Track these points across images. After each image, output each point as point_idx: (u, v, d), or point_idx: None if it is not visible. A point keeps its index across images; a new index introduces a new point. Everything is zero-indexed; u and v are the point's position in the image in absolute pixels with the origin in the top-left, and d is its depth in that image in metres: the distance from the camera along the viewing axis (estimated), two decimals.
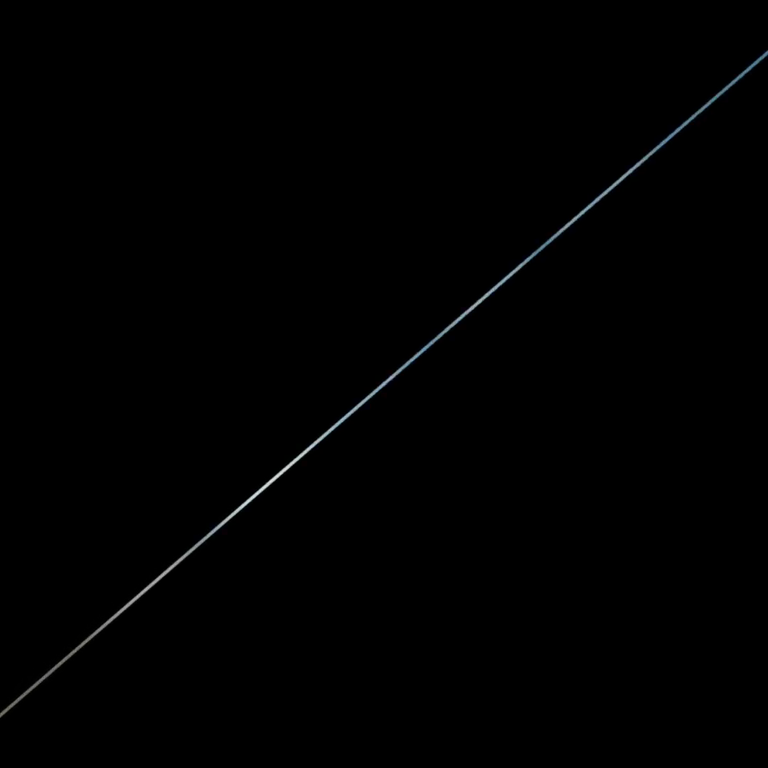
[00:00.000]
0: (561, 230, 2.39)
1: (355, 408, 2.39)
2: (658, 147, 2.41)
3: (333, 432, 2.39)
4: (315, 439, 2.38)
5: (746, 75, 2.36)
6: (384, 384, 2.39)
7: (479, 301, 2.40)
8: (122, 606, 2.35)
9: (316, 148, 2.51)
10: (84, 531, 2.41)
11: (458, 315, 2.41)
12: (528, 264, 2.40)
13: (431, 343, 2.40)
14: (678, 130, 2.41)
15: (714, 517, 2.37)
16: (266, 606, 2.37)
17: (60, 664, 2.31)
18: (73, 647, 2.33)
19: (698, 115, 2.41)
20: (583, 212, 2.38)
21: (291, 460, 2.38)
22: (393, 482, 2.40)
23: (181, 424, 2.44)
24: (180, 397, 2.45)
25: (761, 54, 2.36)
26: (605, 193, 2.39)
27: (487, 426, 2.41)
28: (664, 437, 2.40)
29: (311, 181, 2.51)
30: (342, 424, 2.39)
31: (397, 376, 2.39)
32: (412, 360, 2.40)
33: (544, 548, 2.37)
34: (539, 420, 2.41)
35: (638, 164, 2.39)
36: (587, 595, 2.36)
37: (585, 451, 2.40)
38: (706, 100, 2.42)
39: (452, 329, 2.39)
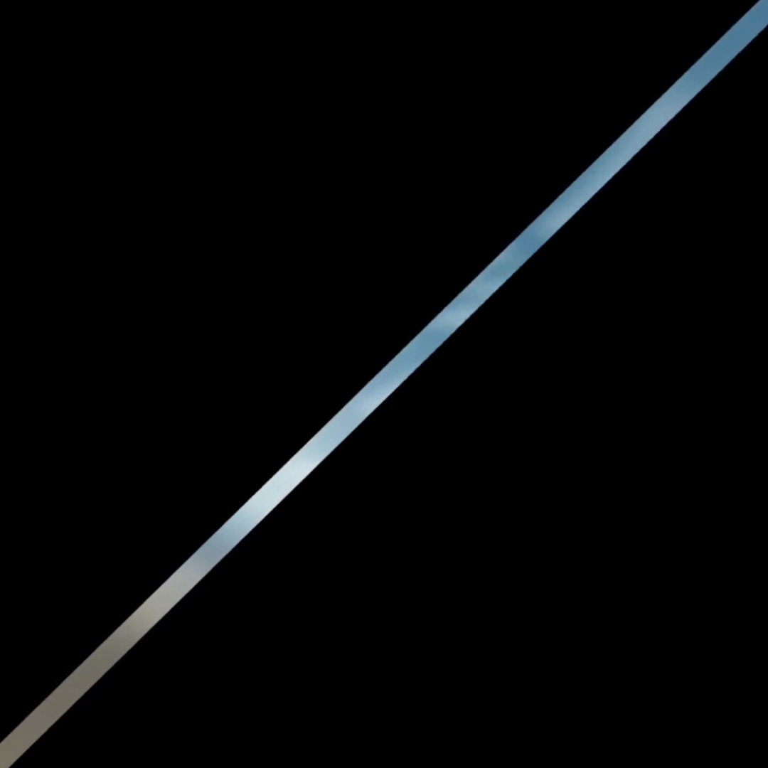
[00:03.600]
0: (557, 229, 2.37)
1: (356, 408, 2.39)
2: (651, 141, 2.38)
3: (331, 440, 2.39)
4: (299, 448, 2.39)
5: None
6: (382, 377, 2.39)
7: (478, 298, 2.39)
8: (125, 612, 2.38)
9: (300, 148, 2.51)
10: (83, 538, 2.44)
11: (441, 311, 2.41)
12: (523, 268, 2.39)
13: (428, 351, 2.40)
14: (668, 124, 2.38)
15: (719, 524, 2.36)
16: (264, 614, 2.39)
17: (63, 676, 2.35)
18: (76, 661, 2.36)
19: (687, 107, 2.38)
20: (578, 211, 2.36)
21: (272, 474, 2.40)
22: (396, 488, 2.41)
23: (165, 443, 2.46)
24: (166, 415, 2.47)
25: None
26: (598, 192, 2.36)
27: (487, 429, 2.41)
28: (662, 438, 2.39)
29: (296, 189, 2.51)
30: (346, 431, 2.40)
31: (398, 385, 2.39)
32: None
33: (546, 553, 2.37)
34: (540, 424, 2.40)
35: (627, 164, 2.36)
36: (593, 602, 2.36)
37: (585, 461, 2.39)
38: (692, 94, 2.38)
39: (450, 337, 2.39)
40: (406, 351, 2.42)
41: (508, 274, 2.43)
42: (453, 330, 2.42)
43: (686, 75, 2.41)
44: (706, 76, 2.41)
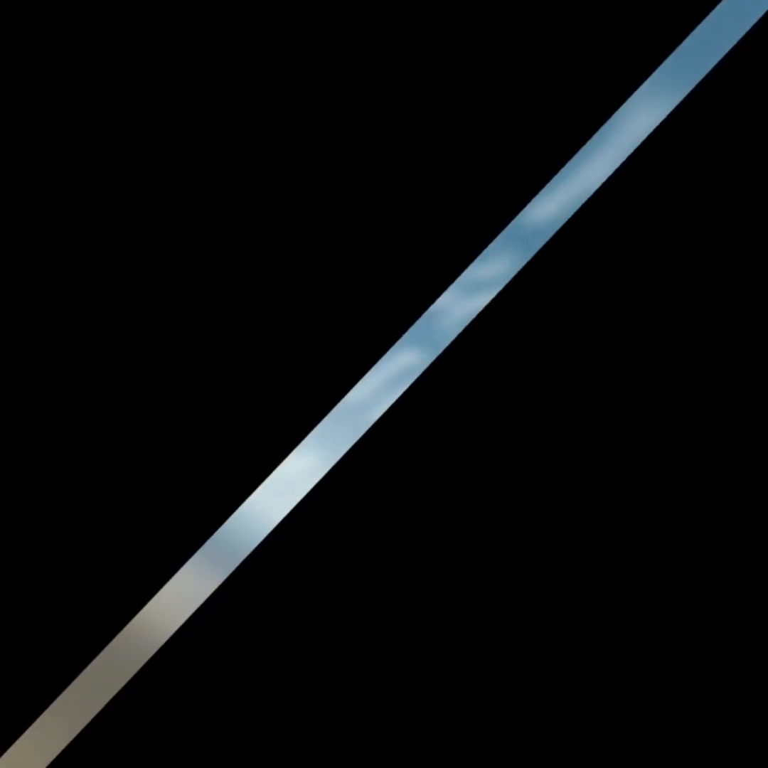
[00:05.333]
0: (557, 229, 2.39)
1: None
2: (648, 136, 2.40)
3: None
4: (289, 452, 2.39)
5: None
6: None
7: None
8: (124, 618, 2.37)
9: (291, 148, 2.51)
10: (81, 542, 2.42)
11: (429, 300, 2.41)
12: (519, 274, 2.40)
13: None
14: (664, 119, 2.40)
15: (719, 524, 2.39)
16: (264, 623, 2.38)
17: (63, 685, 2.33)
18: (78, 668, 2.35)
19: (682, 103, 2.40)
20: (575, 212, 2.39)
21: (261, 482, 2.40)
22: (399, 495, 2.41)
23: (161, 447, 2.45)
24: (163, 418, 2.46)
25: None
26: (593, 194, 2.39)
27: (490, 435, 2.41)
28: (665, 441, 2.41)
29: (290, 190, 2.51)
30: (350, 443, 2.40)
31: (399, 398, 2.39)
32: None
33: (566, 555, 2.38)
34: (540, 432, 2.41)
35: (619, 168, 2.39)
36: (600, 602, 2.37)
37: (599, 460, 2.39)
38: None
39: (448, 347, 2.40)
40: (398, 345, 2.43)
41: (504, 265, 2.43)
42: (447, 321, 2.43)
43: (690, 55, 2.40)
44: (715, 55, 2.40)
